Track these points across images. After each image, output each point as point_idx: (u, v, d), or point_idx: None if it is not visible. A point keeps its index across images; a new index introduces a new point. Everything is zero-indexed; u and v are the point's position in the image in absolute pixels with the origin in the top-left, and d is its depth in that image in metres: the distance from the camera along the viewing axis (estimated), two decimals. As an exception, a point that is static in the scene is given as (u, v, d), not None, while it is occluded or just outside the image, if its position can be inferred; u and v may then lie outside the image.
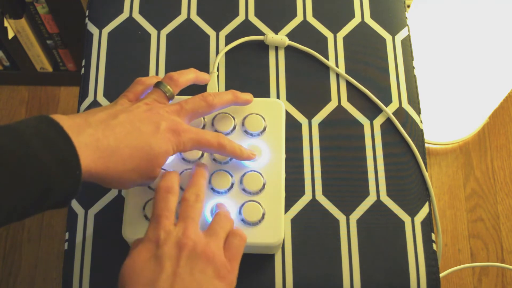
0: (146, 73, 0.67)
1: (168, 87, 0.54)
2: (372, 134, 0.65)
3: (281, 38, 0.68)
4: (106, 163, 0.45)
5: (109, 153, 0.46)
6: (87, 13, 0.72)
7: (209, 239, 0.48)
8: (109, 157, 0.46)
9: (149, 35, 0.69)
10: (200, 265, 0.45)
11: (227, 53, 0.68)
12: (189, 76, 0.57)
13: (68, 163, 0.42)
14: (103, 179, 0.46)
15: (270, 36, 0.68)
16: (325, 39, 0.70)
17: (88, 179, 0.45)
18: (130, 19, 0.70)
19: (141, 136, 0.48)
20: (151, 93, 0.53)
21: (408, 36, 0.71)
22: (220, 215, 0.51)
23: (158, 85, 0.54)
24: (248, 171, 0.57)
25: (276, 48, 0.69)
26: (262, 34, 0.69)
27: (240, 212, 0.55)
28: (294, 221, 0.61)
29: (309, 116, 0.66)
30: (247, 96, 0.58)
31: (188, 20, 0.70)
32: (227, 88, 0.66)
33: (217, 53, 0.68)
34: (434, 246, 0.61)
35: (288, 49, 0.69)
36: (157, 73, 0.67)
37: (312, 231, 0.61)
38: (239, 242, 0.49)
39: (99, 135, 0.45)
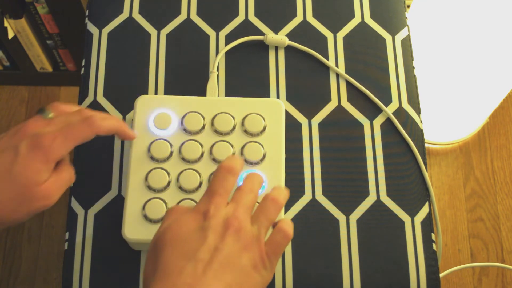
0: (146, 73, 0.67)
1: (51, 113, 0.51)
2: (372, 134, 0.65)
3: (281, 38, 0.68)
4: None
5: None
6: (87, 13, 0.72)
7: (252, 228, 0.46)
8: None
9: (149, 35, 0.69)
10: (238, 249, 0.44)
11: (227, 53, 0.68)
12: (75, 109, 0.53)
13: None
14: None
15: (270, 36, 0.68)
16: (325, 39, 0.70)
17: None
18: (130, 19, 0.70)
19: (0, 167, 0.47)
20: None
21: (408, 36, 0.71)
22: (267, 200, 0.48)
23: (38, 111, 0.51)
24: (248, 171, 0.57)
25: (276, 48, 0.69)
26: (262, 34, 0.69)
27: (240, 212, 0.55)
28: (294, 221, 0.61)
29: (309, 116, 0.66)
30: (133, 133, 0.56)
31: (188, 20, 0.70)
32: (227, 88, 0.66)
33: (217, 53, 0.68)
34: (434, 246, 0.61)
35: (288, 49, 0.69)
36: (157, 74, 0.67)
37: (312, 231, 0.61)
38: (282, 239, 0.47)
39: None
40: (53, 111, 0.51)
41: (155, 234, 0.46)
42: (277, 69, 0.68)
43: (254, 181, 0.50)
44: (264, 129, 0.59)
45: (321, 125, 0.65)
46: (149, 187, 0.57)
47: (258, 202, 0.49)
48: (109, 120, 0.52)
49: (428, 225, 0.62)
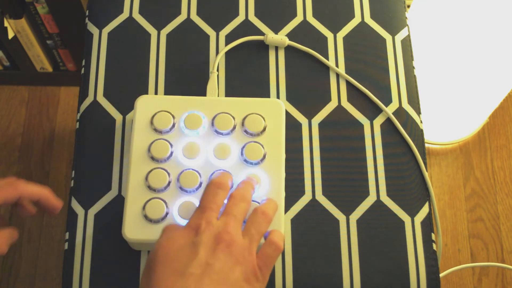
0: (146, 73, 0.67)
1: None
2: (372, 134, 0.65)
3: (281, 38, 0.68)
4: None
5: None
6: (87, 13, 0.72)
7: (243, 241, 0.47)
8: None
9: (149, 35, 0.69)
10: (230, 263, 0.45)
11: (227, 53, 0.68)
12: (36, 187, 0.54)
13: None
14: None
15: (270, 36, 0.68)
16: (325, 39, 0.70)
17: None
18: (130, 19, 0.70)
19: None
20: None
21: (408, 36, 0.71)
22: (257, 214, 0.50)
23: None
24: (248, 171, 0.57)
25: (276, 48, 0.69)
26: (262, 34, 0.69)
27: (240, 212, 0.55)
28: (294, 221, 0.61)
29: (309, 116, 0.66)
30: (58, 202, 0.56)
31: (188, 20, 0.70)
32: (227, 88, 0.66)
33: (217, 53, 0.68)
34: (434, 246, 0.61)
35: (288, 49, 0.69)
36: (157, 73, 0.67)
37: (312, 231, 0.61)
38: (273, 252, 0.48)
39: None
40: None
41: (149, 253, 0.47)
42: (277, 69, 0.68)
43: (246, 189, 0.52)
44: (264, 129, 0.59)
45: (321, 125, 0.65)
46: (149, 187, 0.57)
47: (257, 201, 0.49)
48: (34, 186, 0.53)
49: (428, 225, 0.62)
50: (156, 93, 0.66)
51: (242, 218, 0.49)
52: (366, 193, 0.63)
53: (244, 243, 0.47)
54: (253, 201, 0.55)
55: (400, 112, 0.66)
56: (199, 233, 0.46)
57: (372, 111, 0.66)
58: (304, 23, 0.70)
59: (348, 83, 0.67)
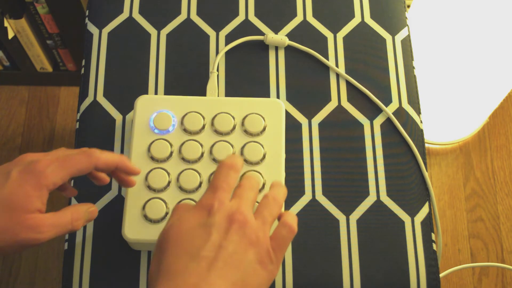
0: (146, 73, 0.67)
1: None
2: (372, 134, 0.65)
3: (281, 38, 0.68)
4: None
5: None
6: (87, 13, 0.72)
7: (256, 222, 0.46)
8: None
9: (149, 35, 0.69)
10: (243, 244, 0.44)
11: (227, 53, 0.68)
12: (111, 154, 0.52)
13: None
14: None
15: (270, 36, 0.68)
16: (325, 39, 0.70)
17: None
18: (130, 19, 0.70)
19: None
20: None
21: (408, 36, 0.71)
22: (268, 198, 0.48)
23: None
24: (248, 171, 0.57)
25: (276, 48, 0.69)
26: (262, 34, 0.69)
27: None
28: (294, 221, 0.61)
29: (309, 116, 0.66)
30: (135, 167, 0.53)
31: (188, 20, 0.70)
32: (227, 88, 0.66)
33: (217, 53, 0.68)
34: (434, 246, 0.61)
35: (288, 49, 0.69)
36: (157, 73, 0.67)
37: (312, 231, 0.61)
38: (287, 233, 0.47)
39: None
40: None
41: (160, 233, 0.45)
42: (277, 69, 0.68)
43: (253, 180, 0.50)
44: (264, 129, 0.59)
45: (321, 125, 0.65)
46: (149, 187, 0.57)
47: (257, 202, 0.49)
48: (110, 154, 0.51)
49: (428, 225, 0.62)
50: (156, 93, 0.66)
51: (253, 203, 0.48)
52: (366, 193, 0.63)
53: (257, 224, 0.45)
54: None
55: (400, 112, 0.66)
56: (212, 214, 0.45)
57: (372, 111, 0.66)
58: (304, 23, 0.70)
59: (348, 83, 0.67)
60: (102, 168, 0.50)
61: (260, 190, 0.56)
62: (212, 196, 0.46)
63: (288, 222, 0.47)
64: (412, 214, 0.62)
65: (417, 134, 0.66)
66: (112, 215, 0.60)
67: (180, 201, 0.57)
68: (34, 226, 0.45)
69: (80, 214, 0.50)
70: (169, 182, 0.57)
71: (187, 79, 0.67)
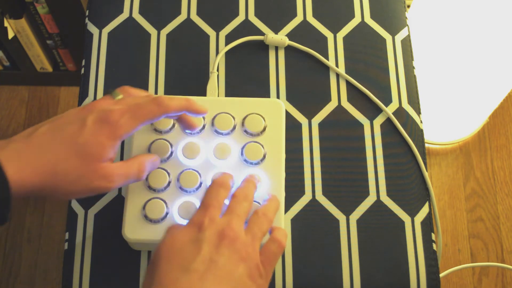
0: (146, 73, 0.67)
1: (120, 95, 0.52)
2: (372, 134, 0.65)
3: (281, 38, 0.68)
4: (35, 171, 0.44)
5: (33, 160, 0.45)
6: (87, 13, 0.72)
7: (246, 238, 0.47)
8: (35, 164, 0.45)
9: (149, 35, 0.69)
10: (234, 259, 0.45)
11: (227, 53, 0.68)
12: (144, 93, 0.54)
13: None
14: (42, 189, 0.45)
15: (270, 36, 0.68)
16: (325, 39, 0.70)
17: (26, 192, 0.44)
18: (130, 19, 0.70)
19: (65, 136, 0.46)
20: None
21: (408, 36, 0.71)
22: (258, 214, 0.50)
23: (108, 91, 0.52)
24: (248, 171, 0.57)
25: (276, 48, 0.69)
26: (262, 34, 0.69)
27: (240, 212, 0.55)
28: (294, 221, 0.61)
29: (309, 116, 0.66)
30: (202, 106, 0.54)
31: (188, 20, 0.70)
32: (227, 88, 0.66)
33: (217, 53, 0.68)
34: (434, 246, 0.61)
35: (288, 49, 0.69)
36: (157, 73, 0.67)
37: (312, 231, 0.61)
38: (276, 249, 0.49)
39: (21, 147, 0.45)
40: (122, 93, 0.52)
41: (153, 251, 0.47)
42: (277, 69, 0.68)
43: (249, 188, 0.52)
44: (264, 129, 0.59)
45: (321, 125, 0.65)
46: (149, 187, 0.57)
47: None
48: (177, 99, 0.51)
49: (428, 225, 0.62)
50: (156, 93, 0.66)
51: (245, 217, 0.49)
52: (366, 193, 0.63)
53: (247, 240, 0.47)
54: (254, 201, 0.55)
55: (400, 112, 0.66)
56: (203, 230, 0.46)
57: (372, 111, 0.66)
58: (304, 23, 0.70)
59: (348, 83, 0.67)
60: (171, 115, 0.51)
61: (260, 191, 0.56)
62: (203, 214, 0.48)
63: (278, 238, 0.49)
64: (412, 214, 0.62)
65: (417, 134, 0.66)
66: (112, 215, 0.60)
67: (180, 201, 0.57)
68: (106, 175, 0.47)
69: (145, 165, 0.52)
70: (169, 182, 0.57)
71: (187, 79, 0.67)
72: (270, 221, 0.50)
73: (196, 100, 0.53)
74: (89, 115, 0.47)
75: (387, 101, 0.67)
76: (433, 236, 0.62)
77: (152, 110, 0.49)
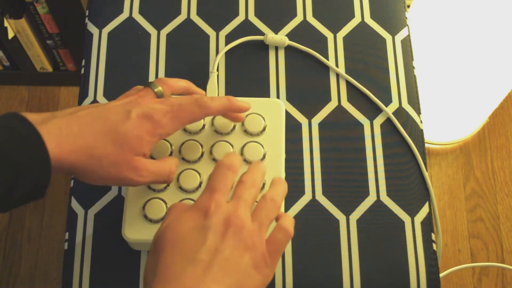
0: (146, 73, 0.67)
1: (159, 87, 0.53)
2: (372, 134, 0.65)
3: (281, 38, 0.68)
4: (72, 150, 0.45)
5: (73, 139, 0.45)
6: (87, 13, 0.72)
7: (253, 226, 0.46)
8: (73, 143, 0.45)
9: (149, 35, 0.69)
10: (240, 249, 0.44)
11: (227, 53, 0.68)
12: (182, 83, 0.56)
13: (33, 149, 0.43)
14: (75, 168, 0.46)
15: (270, 36, 0.68)
16: (325, 39, 0.70)
17: (60, 168, 0.45)
18: (130, 19, 0.70)
19: (107, 123, 0.48)
20: (138, 91, 0.53)
21: (408, 36, 0.71)
22: (266, 199, 0.48)
23: (148, 84, 0.54)
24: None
25: (276, 48, 0.69)
26: (262, 34, 0.69)
27: (240, 212, 0.55)
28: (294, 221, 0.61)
29: (309, 116, 0.66)
30: (244, 103, 0.55)
31: (188, 20, 0.70)
32: (227, 88, 0.66)
33: (217, 53, 0.68)
34: (434, 246, 0.61)
35: (288, 49, 0.69)
36: (157, 73, 0.67)
37: (312, 231, 0.61)
38: (283, 237, 0.47)
39: (63, 124, 0.46)
40: (160, 86, 0.53)
41: (156, 233, 0.46)
42: (277, 69, 0.68)
43: (257, 174, 0.49)
44: (264, 129, 0.59)
45: (321, 125, 0.65)
46: (149, 187, 0.57)
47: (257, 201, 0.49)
48: (218, 100, 0.52)
49: (428, 225, 0.62)
50: (156, 93, 0.66)
51: (252, 204, 0.47)
52: (366, 193, 0.63)
53: (254, 228, 0.45)
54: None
55: (400, 112, 0.66)
56: (209, 216, 0.45)
57: (372, 111, 0.66)
58: (304, 23, 0.71)
59: (348, 83, 0.67)
60: (213, 115, 0.53)
61: (260, 190, 0.56)
62: (209, 198, 0.46)
63: (285, 226, 0.47)
64: (412, 214, 0.62)
65: (417, 134, 0.66)
66: (112, 215, 0.60)
67: (180, 201, 0.57)
68: (137, 169, 0.48)
69: (175, 169, 0.53)
70: (169, 182, 0.57)
71: (187, 79, 0.67)
72: (278, 207, 0.48)
73: (235, 99, 0.54)
74: (134, 109, 0.49)
75: (387, 101, 0.67)
76: (433, 236, 0.62)
77: (194, 112, 0.51)
